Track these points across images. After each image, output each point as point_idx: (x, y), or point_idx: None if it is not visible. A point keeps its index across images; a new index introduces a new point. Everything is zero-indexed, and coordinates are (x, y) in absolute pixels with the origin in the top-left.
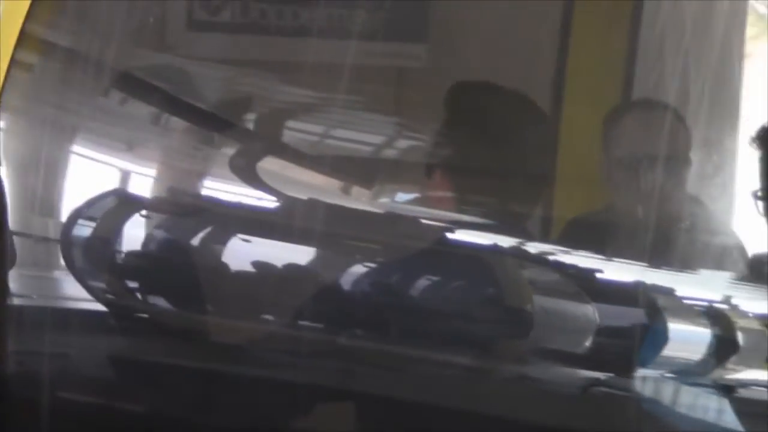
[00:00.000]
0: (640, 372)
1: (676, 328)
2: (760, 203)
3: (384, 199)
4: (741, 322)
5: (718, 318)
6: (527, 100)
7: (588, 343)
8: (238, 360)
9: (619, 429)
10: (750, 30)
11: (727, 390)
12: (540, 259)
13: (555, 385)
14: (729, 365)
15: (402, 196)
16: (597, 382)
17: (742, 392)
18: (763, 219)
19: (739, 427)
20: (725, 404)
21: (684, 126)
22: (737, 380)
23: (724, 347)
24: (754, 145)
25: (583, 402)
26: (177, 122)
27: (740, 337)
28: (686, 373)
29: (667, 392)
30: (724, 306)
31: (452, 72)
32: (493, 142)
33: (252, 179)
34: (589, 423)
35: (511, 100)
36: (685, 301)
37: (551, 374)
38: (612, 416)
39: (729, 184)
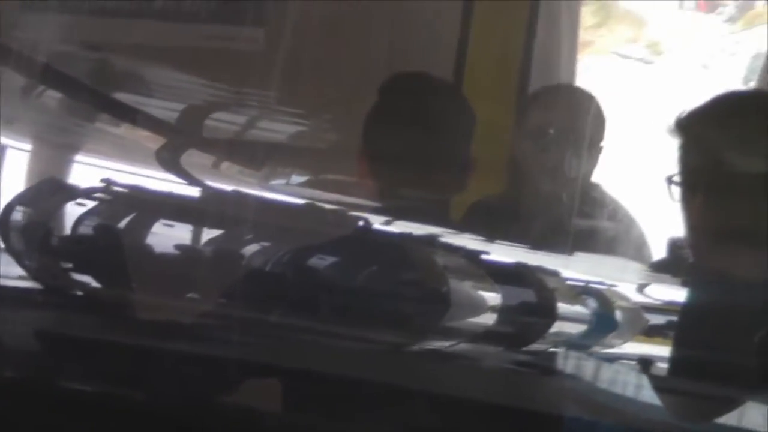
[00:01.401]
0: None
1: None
2: (674, 189)
3: (276, 181)
4: (619, 302)
5: (599, 298)
6: (456, 90)
7: (493, 321)
8: (167, 336)
9: (535, 403)
10: (592, 19)
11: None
12: (451, 245)
13: (470, 360)
14: (609, 339)
15: (295, 179)
16: (507, 357)
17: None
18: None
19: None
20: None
21: (595, 112)
22: (618, 353)
23: (603, 323)
24: (674, 132)
25: (497, 376)
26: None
27: (618, 314)
28: (571, 346)
29: (578, 367)
30: (604, 287)
31: (289, 55)
32: (421, 131)
33: (172, 168)
34: (504, 396)
35: (441, 90)
36: (568, 282)
37: (466, 350)
38: (526, 390)
39: None
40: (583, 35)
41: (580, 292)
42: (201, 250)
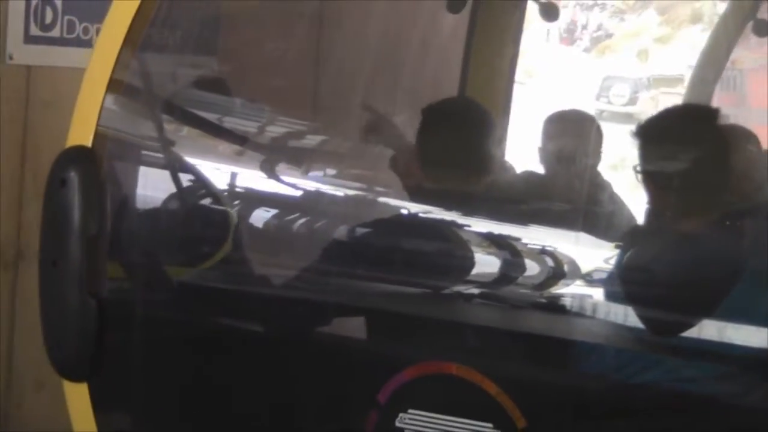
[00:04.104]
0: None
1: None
2: (639, 175)
3: (313, 174)
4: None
5: (551, 256)
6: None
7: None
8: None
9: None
10: None
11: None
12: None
13: (492, 299)
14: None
15: (329, 172)
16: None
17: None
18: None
19: None
20: None
21: (597, 130)
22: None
23: (556, 273)
24: (633, 135)
25: (524, 311)
26: None
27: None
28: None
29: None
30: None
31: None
32: (456, 140)
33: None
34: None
35: (472, 109)
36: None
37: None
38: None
39: None
40: None
41: (539, 252)
42: (294, 226)
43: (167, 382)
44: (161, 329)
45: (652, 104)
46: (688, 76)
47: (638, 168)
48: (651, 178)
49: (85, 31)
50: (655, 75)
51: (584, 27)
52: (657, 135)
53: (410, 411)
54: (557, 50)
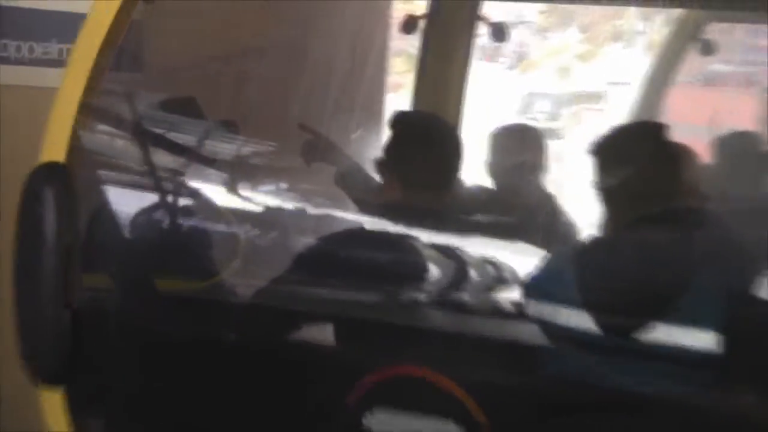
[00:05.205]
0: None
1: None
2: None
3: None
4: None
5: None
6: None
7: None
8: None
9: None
10: (402, 66)
11: None
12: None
13: (454, 305)
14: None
15: (282, 186)
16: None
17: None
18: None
19: None
20: None
21: (543, 140)
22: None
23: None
24: (590, 154)
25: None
26: None
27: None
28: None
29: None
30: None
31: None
32: (423, 153)
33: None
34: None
35: (435, 122)
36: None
37: (448, 297)
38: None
39: None
40: (396, 78)
41: (483, 261)
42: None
43: (141, 390)
44: (135, 338)
45: (575, 120)
46: (609, 92)
47: (594, 183)
48: (605, 191)
49: (18, 49)
50: (577, 91)
51: (507, 43)
52: (611, 152)
53: (377, 412)
54: (481, 67)
